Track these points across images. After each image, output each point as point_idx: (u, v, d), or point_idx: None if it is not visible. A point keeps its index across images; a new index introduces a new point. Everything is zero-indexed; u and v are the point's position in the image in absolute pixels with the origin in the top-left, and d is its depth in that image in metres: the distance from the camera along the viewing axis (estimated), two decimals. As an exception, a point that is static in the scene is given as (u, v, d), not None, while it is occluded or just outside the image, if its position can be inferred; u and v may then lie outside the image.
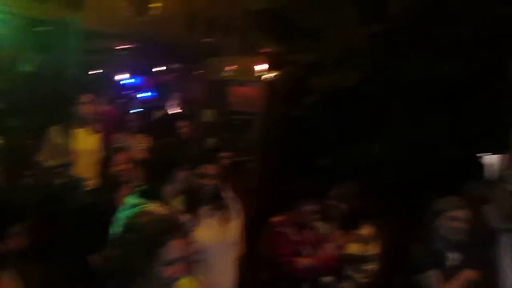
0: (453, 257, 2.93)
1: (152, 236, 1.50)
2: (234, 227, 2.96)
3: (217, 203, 2.87)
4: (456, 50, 4.34)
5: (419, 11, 4.23)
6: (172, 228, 1.55)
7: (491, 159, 5.53)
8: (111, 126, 4.85)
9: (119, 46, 7.93)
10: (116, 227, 1.76)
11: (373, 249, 3.37)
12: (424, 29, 4.24)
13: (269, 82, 5.81)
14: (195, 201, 2.70)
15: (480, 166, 5.67)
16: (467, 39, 4.24)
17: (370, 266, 3.34)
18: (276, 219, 3.32)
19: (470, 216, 3.02)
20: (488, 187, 3.37)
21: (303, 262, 3.15)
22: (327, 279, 3.25)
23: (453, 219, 2.85)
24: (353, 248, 3.34)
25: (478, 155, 5.69)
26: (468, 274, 2.85)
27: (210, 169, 2.87)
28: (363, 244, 3.37)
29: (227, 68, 7.21)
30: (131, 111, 6.14)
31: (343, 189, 3.40)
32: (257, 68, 6.17)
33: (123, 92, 7.93)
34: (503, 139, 4.31)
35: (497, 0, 4.33)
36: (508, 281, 3.00)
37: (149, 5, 7.89)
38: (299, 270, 3.13)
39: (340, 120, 5.48)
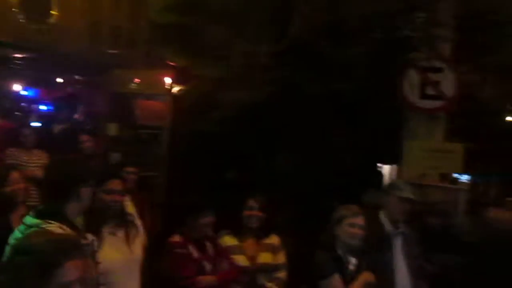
0: (353, 262, 3.15)
1: (45, 257, 1.42)
2: (139, 245, 2.91)
3: (121, 221, 2.80)
4: (351, 68, 4.69)
5: (317, 32, 4.52)
6: (69, 248, 1.48)
7: (388, 169, 6.04)
8: (5, 141, 4.51)
9: (15, 55, 7.39)
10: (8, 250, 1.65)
11: (281, 258, 3.49)
12: (323, 49, 4.53)
13: (176, 96, 5.79)
14: (99, 219, 2.61)
15: (379, 175, 6.17)
16: (360, 59, 4.61)
17: (281, 274, 3.44)
18: (175, 238, 3.25)
19: (366, 222, 3.29)
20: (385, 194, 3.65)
21: (206, 280, 3.11)
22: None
23: (351, 225, 3.06)
24: (265, 257, 3.42)
25: (377, 165, 6.18)
26: (367, 277, 3.08)
27: (115, 185, 2.79)
28: (273, 253, 3.47)
29: (133, 81, 7.03)
30: (28, 125, 5.77)
31: (251, 200, 3.47)
32: (164, 81, 6.12)
33: (20, 105, 7.40)
34: (397, 151, 4.77)
35: (387, 26, 4.77)
36: (403, 281, 3.29)
37: (47, 13, 7.47)
38: None
39: (247, 134, 5.64)
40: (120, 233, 2.78)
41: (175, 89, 5.77)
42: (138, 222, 3.02)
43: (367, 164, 5.65)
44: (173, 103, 5.84)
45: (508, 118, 8.26)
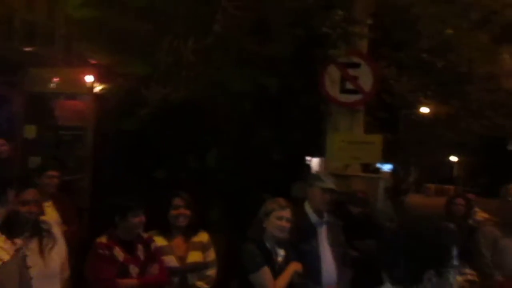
0: (281, 254, 3.24)
1: None
2: (57, 256, 2.79)
3: (35, 231, 2.67)
4: (275, 64, 4.79)
5: (241, 29, 4.57)
6: None
7: (317, 162, 6.25)
8: None
9: None
10: None
11: (211, 255, 3.50)
12: (247, 45, 4.59)
13: (99, 95, 5.58)
14: (13, 229, 2.47)
15: (307, 168, 6.36)
16: (284, 55, 4.73)
17: (211, 272, 3.44)
18: (101, 239, 3.15)
19: (293, 214, 3.39)
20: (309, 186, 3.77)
21: (126, 283, 3.03)
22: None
23: (279, 218, 3.15)
24: (195, 256, 3.40)
25: (306, 158, 6.36)
26: (295, 267, 3.19)
27: (31, 194, 2.66)
28: (202, 251, 3.47)
29: (51, 80, 6.66)
30: None
31: (177, 199, 3.43)
32: (85, 80, 5.87)
33: None
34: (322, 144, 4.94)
35: (307, 23, 4.93)
36: (329, 268, 3.43)
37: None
38: None
39: (175, 132, 5.58)
40: (34, 245, 2.65)
41: (98, 87, 5.56)
42: (57, 230, 2.89)
43: (295, 158, 5.81)
44: (96, 102, 5.63)
45: (423, 110, 8.87)
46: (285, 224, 3.13)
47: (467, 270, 3.10)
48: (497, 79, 7.77)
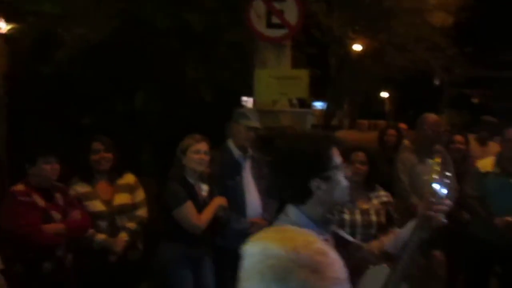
0: (204, 189, 3.27)
1: None
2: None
3: None
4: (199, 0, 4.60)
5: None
6: None
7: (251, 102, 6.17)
8: None
9: None
10: None
11: (139, 196, 3.46)
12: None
13: (8, 36, 5.12)
14: None
15: (241, 107, 6.29)
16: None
17: (140, 212, 3.41)
18: (17, 187, 3.01)
19: (216, 151, 3.41)
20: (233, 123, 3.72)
21: (53, 228, 2.96)
22: (100, 236, 3.20)
23: (196, 152, 3.14)
24: (122, 198, 3.34)
25: (242, 99, 6.28)
26: (219, 201, 3.23)
27: None
28: (129, 192, 3.41)
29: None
30: None
31: (96, 143, 3.31)
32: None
33: None
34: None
35: None
36: (253, 201, 3.50)
37: None
38: (47, 238, 2.93)
39: (98, 75, 5.30)
40: None
41: (6, 28, 5.08)
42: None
43: (227, 98, 5.74)
44: (4, 44, 5.17)
45: (356, 47, 8.96)
46: (203, 157, 3.14)
47: (382, 192, 3.25)
48: (421, 14, 7.97)
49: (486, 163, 3.71)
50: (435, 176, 1.68)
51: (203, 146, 3.16)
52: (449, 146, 4.60)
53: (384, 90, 25.58)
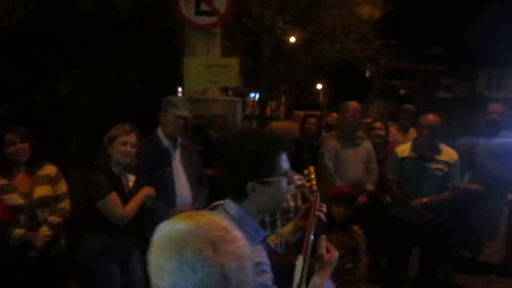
0: (131, 179, 3.17)
1: None
2: None
3: None
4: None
5: None
6: None
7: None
8: None
9: None
10: None
11: (61, 188, 3.30)
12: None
13: None
14: None
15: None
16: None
17: (63, 205, 3.26)
18: None
19: (145, 140, 3.32)
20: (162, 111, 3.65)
21: None
22: (19, 231, 3.01)
23: (124, 144, 3.04)
24: (42, 191, 3.17)
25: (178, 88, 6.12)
26: (146, 191, 3.16)
27: None
28: (50, 184, 3.25)
29: None
30: None
31: (9, 134, 3.10)
32: None
33: None
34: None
35: None
36: (183, 189, 3.45)
37: None
38: None
39: (17, 62, 4.97)
40: None
41: None
42: None
43: (158, 86, 5.59)
44: None
45: (291, 39, 9.02)
46: (130, 149, 3.05)
47: (296, 177, 3.31)
48: (349, 6, 8.24)
49: (404, 149, 3.90)
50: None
51: (131, 137, 3.06)
52: (370, 132, 4.83)
53: (319, 82, 26.32)
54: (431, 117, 3.73)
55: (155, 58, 5.00)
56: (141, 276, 3.21)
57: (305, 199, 3.26)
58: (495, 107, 4.80)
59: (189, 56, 4.51)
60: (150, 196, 3.16)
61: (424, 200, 3.68)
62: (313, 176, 2.05)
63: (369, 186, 4.35)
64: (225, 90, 5.91)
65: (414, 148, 3.83)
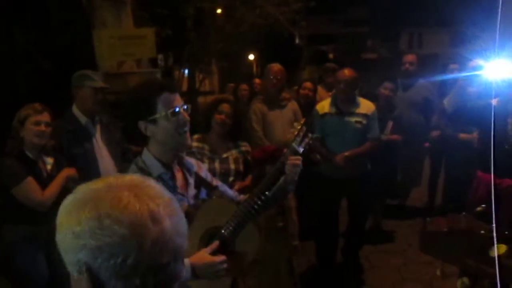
0: (49, 162, 2.99)
1: None
2: None
3: None
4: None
5: None
6: None
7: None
8: None
9: None
10: None
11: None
12: None
13: None
14: None
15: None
16: None
17: None
18: None
19: (61, 119, 3.14)
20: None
21: None
22: None
23: (37, 124, 2.84)
24: None
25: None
26: (67, 173, 2.98)
27: None
28: None
29: None
30: None
31: None
32: None
33: None
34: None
35: None
36: (107, 167, 3.31)
37: None
38: None
39: None
40: None
41: None
42: None
43: (70, 64, 5.28)
44: None
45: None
46: (44, 129, 2.85)
47: (241, 143, 3.34)
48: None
49: (323, 105, 3.94)
50: (296, 136, 1.91)
51: (44, 117, 2.84)
52: (299, 92, 4.86)
53: (250, 53, 26.24)
54: (346, 72, 3.78)
55: (65, 34, 4.67)
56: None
57: (247, 165, 3.30)
58: (409, 58, 4.99)
59: (99, 28, 4.26)
60: (72, 177, 2.99)
61: (346, 154, 3.76)
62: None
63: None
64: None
65: (333, 103, 3.88)
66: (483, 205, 2.38)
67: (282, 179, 1.89)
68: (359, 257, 4.27)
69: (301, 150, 1.91)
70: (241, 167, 3.26)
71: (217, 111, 3.21)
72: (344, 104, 3.82)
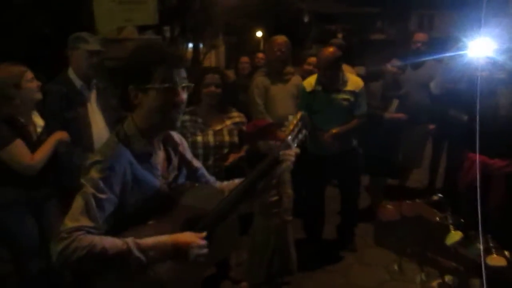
0: (39, 124, 2.92)
1: None
2: None
3: None
4: None
5: None
6: None
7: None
8: None
9: None
10: None
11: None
12: None
13: None
14: None
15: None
16: None
17: None
18: None
19: (54, 82, 3.07)
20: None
21: None
22: None
23: (32, 80, 2.79)
24: None
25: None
26: (58, 136, 2.92)
27: None
28: None
29: None
30: None
31: None
32: None
33: None
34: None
35: None
36: (101, 132, 3.23)
37: None
38: None
39: None
40: None
41: None
42: None
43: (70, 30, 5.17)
44: None
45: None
46: (39, 82, 2.82)
47: (235, 113, 3.26)
48: None
49: (310, 81, 3.85)
50: (291, 131, 1.85)
51: (29, 72, 2.80)
52: (303, 67, 4.75)
53: (258, 29, 25.94)
54: (325, 52, 3.68)
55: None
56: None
57: (241, 137, 3.23)
58: (420, 36, 4.84)
59: (98, -8, 4.13)
60: (63, 141, 2.93)
61: (333, 131, 3.70)
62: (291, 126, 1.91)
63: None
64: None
65: (318, 80, 3.79)
66: (440, 195, 2.25)
67: (273, 173, 1.81)
68: (355, 235, 4.24)
69: (294, 146, 1.84)
70: (235, 139, 3.20)
71: (203, 84, 3.08)
72: (329, 82, 3.73)
